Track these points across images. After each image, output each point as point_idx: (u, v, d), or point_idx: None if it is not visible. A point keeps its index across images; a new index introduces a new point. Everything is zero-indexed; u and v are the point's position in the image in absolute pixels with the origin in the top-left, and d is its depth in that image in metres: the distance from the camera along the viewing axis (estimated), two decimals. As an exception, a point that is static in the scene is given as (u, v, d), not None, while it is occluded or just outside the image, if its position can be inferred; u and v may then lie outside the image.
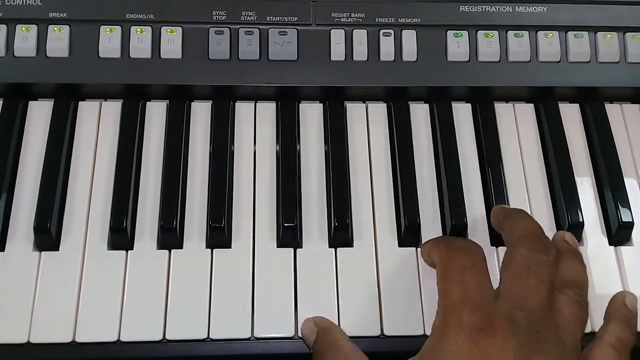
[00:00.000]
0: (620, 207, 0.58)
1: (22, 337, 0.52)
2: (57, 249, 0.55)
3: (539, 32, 0.63)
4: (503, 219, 0.55)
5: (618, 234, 0.58)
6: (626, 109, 0.65)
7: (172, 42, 0.60)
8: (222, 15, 0.61)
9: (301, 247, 0.56)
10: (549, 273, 0.48)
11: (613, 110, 0.64)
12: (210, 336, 0.53)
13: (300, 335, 0.53)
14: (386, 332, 0.53)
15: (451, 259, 0.49)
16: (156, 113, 0.61)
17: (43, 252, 0.55)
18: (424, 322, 0.53)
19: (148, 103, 0.62)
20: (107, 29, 0.60)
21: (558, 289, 0.49)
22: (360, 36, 0.62)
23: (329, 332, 0.52)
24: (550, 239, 0.53)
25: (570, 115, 0.64)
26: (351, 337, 0.53)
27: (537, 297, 0.47)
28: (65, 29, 0.60)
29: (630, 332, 0.51)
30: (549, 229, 0.58)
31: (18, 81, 0.60)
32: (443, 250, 0.51)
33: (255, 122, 0.62)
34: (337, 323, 0.53)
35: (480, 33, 0.63)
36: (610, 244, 0.58)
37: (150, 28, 0.61)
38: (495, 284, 0.49)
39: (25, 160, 0.58)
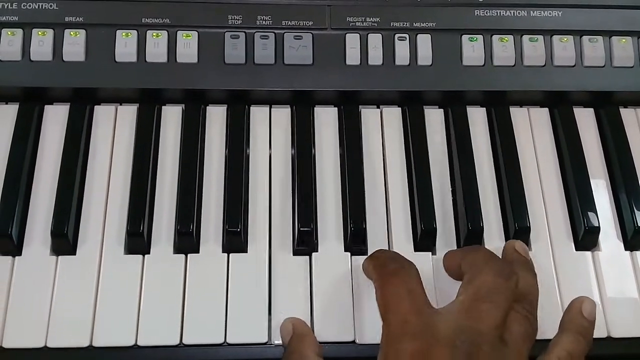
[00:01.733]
0: (635, 212, 0.58)
1: (40, 342, 0.52)
2: (74, 254, 0.55)
3: (554, 37, 0.63)
4: (461, 255, 0.53)
5: (634, 239, 0.58)
6: (641, 114, 0.65)
7: (188, 46, 0.60)
8: (238, 20, 0.61)
9: (317, 251, 0.56)
10: (507, 298, 0.48)
11: (628, 115, 0.64)
12: (227, 340, 0.53)
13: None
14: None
15: (385, 285, 0.49)
16: (172, 117, 0.61)
17: (60, 257, 0.55)
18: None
19: (164, 107, 0.62)
20: (123, 33, 0.60)
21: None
22: (375, 40, 0.62)
23: (302, 340, 0.51)
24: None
25: (585, 119, 0.64)
26: (367, 345, 0.53)
27: (489, 322, 0.46)
28: (82, 33, 0.60)
29: (584, 343, 0.50)
30: (565, 234, 0.59)
31: (34, 85, 0.60)
32: (376, 275, 0.51)
33: (270, 126, 0.62)
34: (352, 327, 0.53)
35: (495, 37, 0.63)
36: (626, 248, 0.58)
37: (166, 32, 0.61)
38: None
39: (42, 164, 0.59)
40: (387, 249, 0.57)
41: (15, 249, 0.55)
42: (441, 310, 0.48)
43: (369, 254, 0.55)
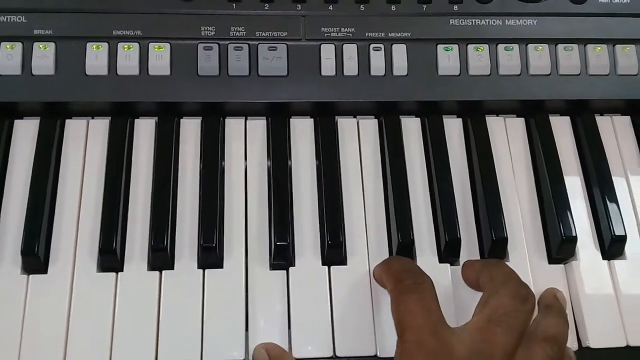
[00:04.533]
0: (612, 221, 0.58)
1: (11, 363, 0.51)
2: (46, 272, 0.54)
3: (529, 45, 0.63)
4: (481, 267, 0.54)
5: (611, 248, 0.58)
6: (616, 121, 0.65)
7: (160, 58, 0.59)
8: (211, 31, 0.60)
9: (294, 265, 0.56)
10: (522, 322, 0.48)
11: (604, 123, 0.64)
12: (204, 359, 0.52)
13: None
14: (379, 354, 0.53)
15: (401, 300, 0.49)
16: (145, 130, 0.60)
17: (31, 276, 0.54)
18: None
19: (136, 120, 0.61)
20: (94, 46, 0.59)
21: (537, 341, 0.48)
22: (350, 51, 0.61)
23: None
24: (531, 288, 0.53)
25: (561, 127, 0.64)
26: (340, 357, 0.53)
27: (501, 345, 0.47)
28: (51, 46, 0.59)
29: (565, 326, 0.51)
30: (543, 244, 0.59)
31: (3, 100, 0.58)
32: (392, 285, 0.51)
33: (245, 138, 0.61)
34: (331, 341, 0.53)
35: (471, 47, 0.62)
36: (604, 258, 0.58)
37: (137, 44, 0.60)
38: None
39: (11, 180, 0.57)
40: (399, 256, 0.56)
41: (-16, 268, 0.54)
42: (456, 329, 0.48)
43: (348, 267, 0.56)
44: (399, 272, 0.51)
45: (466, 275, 0.56)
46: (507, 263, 0.56)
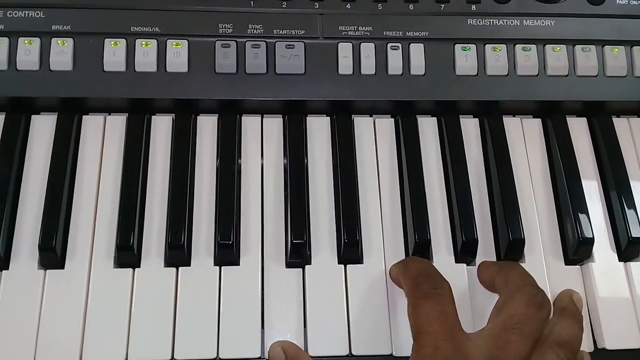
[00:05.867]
0: (629, 222, 0.58)
1: (28, 358, 0.51)
2: (63, 267, 0.54)
3: (547, 46, 0.63)
4: (497, 269, 0.54)
5: (628, 250, 0.58)
6: (633, 123, 0.64)
7: (178, 55, 0.59)
8: (229, 28, 0.60)
9: (310, 264, 0.56)
10: (537, 329, 0.48)
11: (620, 124, 0.64)
12: (220, 356, 0.52)
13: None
14: (395, 353, 0.53)
15: (418, 305, 0.49)
16: (162, 127, 0.60)
17: (48, 271, 0.54)
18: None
19: (153, 117, 0.61)
20: (112, 42, 0.59)
21: (550, 345, 0.48)
22: (368, 50, 0.61)
23: None
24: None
25: (578, 129, 0.64)
26: (361, 356, 0.53)
27: (515, 352, 0.47)
28: (69, 42, 0.59)
29: (579, 330, 0.51)
30: (559, 245, 0.59)
31: (21, 95, 0.59)
32: (409, 289, 0.51)
33: (262, 136, 0.61)
34: (347, 340, 0.53)
35: (488, 47, 0.62)
36: (620, 259, 0.58)
37: (155, 41, 0.60)
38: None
39: (29, 175, 0.57)
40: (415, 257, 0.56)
41: (2, 263, 0.54)
42: (472, 335, 0.49)
43: (364, 265, 0.56)
44: (416, 275, 0.51)
45: (482, 277, 0.56)
46: (523, 264, 0.56)
